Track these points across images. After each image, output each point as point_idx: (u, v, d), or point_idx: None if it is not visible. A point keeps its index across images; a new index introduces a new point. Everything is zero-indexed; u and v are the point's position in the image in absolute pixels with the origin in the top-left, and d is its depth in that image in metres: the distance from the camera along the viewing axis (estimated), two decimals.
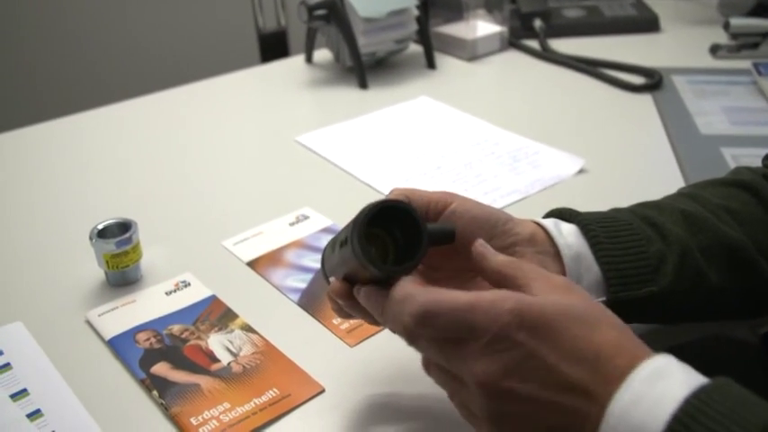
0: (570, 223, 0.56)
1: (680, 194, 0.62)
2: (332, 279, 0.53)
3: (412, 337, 0.45)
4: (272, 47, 1.42)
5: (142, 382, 0.58)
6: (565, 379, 0.41)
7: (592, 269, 0.53)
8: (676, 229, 0.55)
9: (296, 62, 1.27)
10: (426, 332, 0.44)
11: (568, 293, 0.45)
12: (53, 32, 1.93)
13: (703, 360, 0.40)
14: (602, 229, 0.54)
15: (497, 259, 0.48)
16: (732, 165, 0.86)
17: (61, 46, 1.94)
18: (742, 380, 0.39)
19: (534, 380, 0.41)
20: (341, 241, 0.49)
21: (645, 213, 0.57)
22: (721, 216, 0.57)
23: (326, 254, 0.55)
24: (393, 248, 0.49)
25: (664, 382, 0.39)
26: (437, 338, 0.44)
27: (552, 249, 0.53)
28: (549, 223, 0.55)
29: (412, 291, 0.44)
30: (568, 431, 0.41)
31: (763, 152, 0.66)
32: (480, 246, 0.49)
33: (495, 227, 0.53)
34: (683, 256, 0.54)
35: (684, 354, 0.42)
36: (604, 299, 0.53)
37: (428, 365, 0.47)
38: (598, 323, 0.43)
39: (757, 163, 0.65)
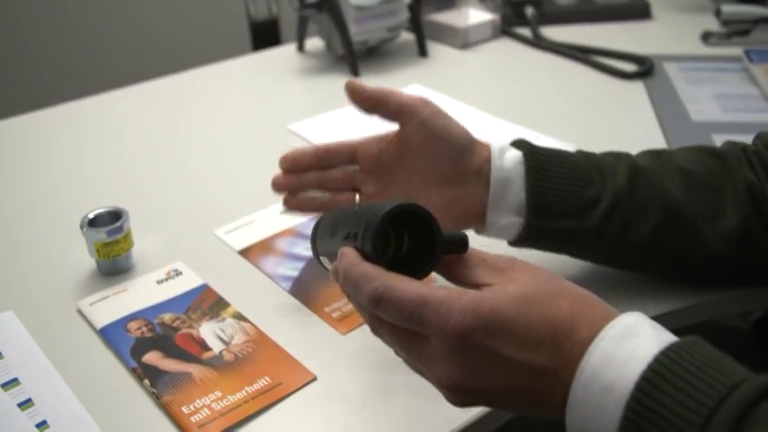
0: (520, 151, 0.59)
1: (651, 151, 0.64)
2: (323, 259, 0.53)
3: (370, 319, 0.45)
4: (264, 35, 1.41)
5: (133, 371, 0.58)
6: (527, 367, 0.41)
7: (517, 193, 0.58)
8: (619, 179, 0.59)
9: (288, 51, 1.26)
10: (383, 316, 0.43)
11: (513, 272, 0.44)
12: (42, 22, 1.92)
13: None
14: (545, 161, 0.58)
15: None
16: None
17: (50, 36, 1.93)
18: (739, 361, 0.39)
19: (497, 374, 0.41)
20: (348, 233, 0.47)
21: (600, 159, 0.61)
22: (674, 177, 0.60)
23: (319, 235, 0.54)
24: (394, 243, 0.47)
25: (633, 340, 0.39)
26: (393, 327, 0.43)
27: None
28: (496, 148, 0.59)
29: (369, 271, 0.43)
30: (538, 407, 0.42)
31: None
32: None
33: (454, 150, 0.59)
34: (615, 204, 0.58)
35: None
36: (522, 221, 0.58)
37: (378, 329, 0.45)
38: (550, 300, 0.42)
39: None
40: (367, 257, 0.44)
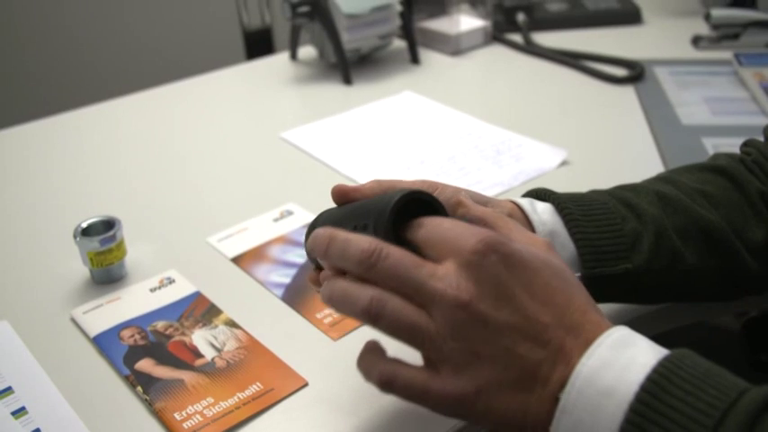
0: (546, 202, 0.56)
1: (657, 178, 0.62)
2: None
3: (371, 262, 0.43)
4: (257, 44, 1.42)
5: (126, 379, 0.58)
6: (533, 319, 0.41)
7: (566, 246, 0.54)
8: (652, 209, 0.56)
9: (280, 59, 1.27)
10: (392, 253, 0.43)
11: (548, 251, 0.45)
12: (37, 32, 1.92)
13: (686, 347, 0.41)
14: (576, 207, 0.55)
15: (481, 209, 0.49)
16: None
17: (44, 45, 1.94)
18: (725, 366, 0.40)
19: (505, 310, 0.41)
20: (356, 226, 0.47)
21: (621, 194, 0.58)
22: (696, 199, 0.58)
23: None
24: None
25: (631, 349, 0.40)
26: (403, 258, 0.43)
27: (528, 228, 0.54)
28: (525, 202, 0.55)
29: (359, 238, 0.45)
30: (527, 382, 0.41)
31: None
32: (464, 197, 0.50)
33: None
34: (659, 236, 0.55)
35: (668, 341, 0.43)
36: (579, 275, 0.53)
37: (379, 311, 0.43)
38: (571, 283, 0.43)
39: (737, 151, 0.66)
40: None
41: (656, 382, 0.38)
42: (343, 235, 0.45)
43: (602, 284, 0.53)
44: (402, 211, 0.46)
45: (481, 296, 0.41)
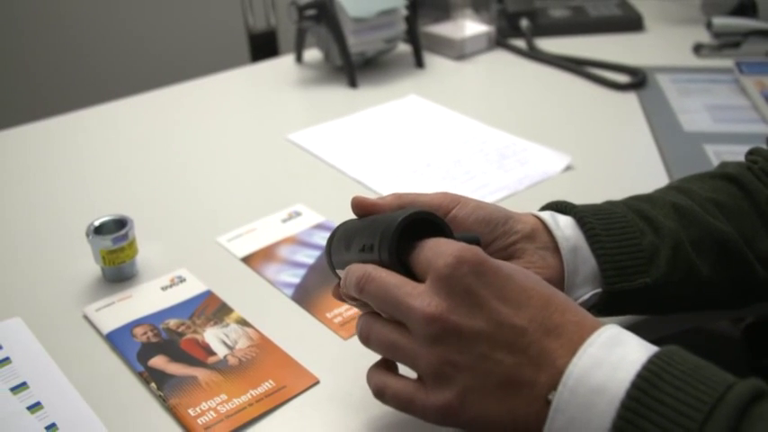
0: (566, 215, 0.57)
1: (670, 188, 0.63)
2: (340, 272, 0.53)
3: (360, 286, 0.48)
4: (262, 46, 1.43)
5: (140, 375, 0.59)
6: (509, 322, 0.43)
7: (588, 261, 0.55)
8: (668, 222, 0.57)
9: (286, 62, 1.28)
10: (376, 277, 0.47)
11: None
12: (45, 33, 1.93)
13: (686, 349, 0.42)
14: (597, 222, 0.56)
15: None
16: (714, 161, 0.88)
17: (53, 46, 1.95)
18: (727, 368, 0.41)
19: (479, 318, 0.43)
20: (364, 246, 0.49)
21: (638, 206, 0.59)
22: (710, 209, 0.59)
23: (334, 249, 0.55)
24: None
25: (621, 348, 0.41)
26: (386, 279, 0.46)
27: (551, 244, 0.55)
28: (548, 216, 0.56)
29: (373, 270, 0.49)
30: (511, 386, 0.43)
31: (744, 149, 0.67)
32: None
33: (497, 228, 0.55)
34: (676, 249, 0.56)
35: (664, 344, 0.44)
36: (600, 290, 0.54)
37: (367, 334, 0.48)
38: (547, 285, 0.45)
39: (740, 159, 0.67)
40: (385, 266, 0.47)
41: (646, 379, 0.39)
42: (350, 268, 0.50)
43: (621, 299, 0.55)
44: (409, 231, 0.47)
45: (453, 308, 0.43)
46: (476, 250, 0.45)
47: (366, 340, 0.49)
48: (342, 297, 0.53)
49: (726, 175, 0.63)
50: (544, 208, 0.60)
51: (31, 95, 1.97)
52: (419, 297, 0.44)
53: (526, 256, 0.54)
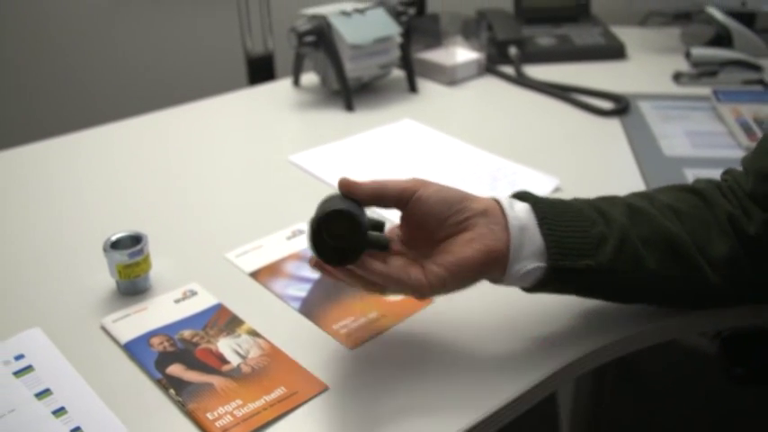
0: (525, 202, 0.65)
1: (636, 194, 0.70)
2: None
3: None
4: (259, 70, 1.47)
5: (159, 382, 0.63)
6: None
7: (535, 240, 0.62)
8: (621, 218, 0.64)
9: (283, 85, 1.32)
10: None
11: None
12: (45, 56, 1.97)
13: (663, 369, 0.46)
14: (550, 209, 0.64)
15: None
16: None
17: (54, 68, 1.98)
18: (704, 385, 0.45)
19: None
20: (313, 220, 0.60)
21: (596, 203, 0.67)
22: (666, 213, 0.66)
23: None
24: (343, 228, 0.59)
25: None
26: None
27: (503, 221, 0.62)
28: (504, 200, 0.64)
29: None
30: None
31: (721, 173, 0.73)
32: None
33: (453, 206, 0.62)
34: (623, 241, 0.63)
35: (643, 363, 0.48)
36: (544, 265, 0.62)
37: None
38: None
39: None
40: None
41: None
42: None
43: (566, 277, 0.62)
44: (336, 219, 0.58)
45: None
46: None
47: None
48: (318, 266, 0.61)
49: (693, 188, 0.70)
50: (511, 196, 0.67)
51: (39, 114, 2.01)
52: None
53: (477, 229, 0.61)
